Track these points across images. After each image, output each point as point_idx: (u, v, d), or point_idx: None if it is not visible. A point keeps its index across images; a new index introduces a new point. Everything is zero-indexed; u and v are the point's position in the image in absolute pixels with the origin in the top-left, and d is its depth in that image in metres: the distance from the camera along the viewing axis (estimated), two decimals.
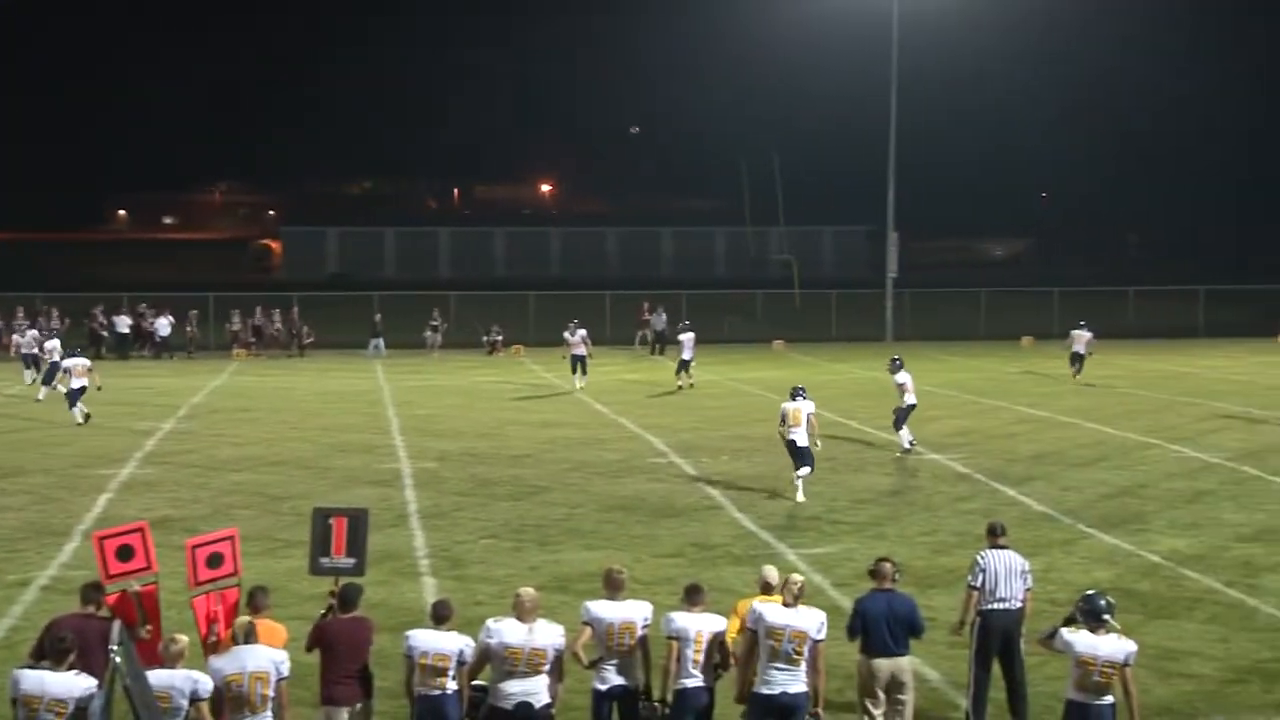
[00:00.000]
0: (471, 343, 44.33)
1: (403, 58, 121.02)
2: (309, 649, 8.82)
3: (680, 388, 31.46)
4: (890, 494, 18.68)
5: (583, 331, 32.11)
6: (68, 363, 26.35)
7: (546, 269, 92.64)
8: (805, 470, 17.97)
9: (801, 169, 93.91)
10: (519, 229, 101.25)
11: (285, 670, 8.16)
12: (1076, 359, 33.97)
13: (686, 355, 32.08)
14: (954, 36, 78.82)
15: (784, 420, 18.05)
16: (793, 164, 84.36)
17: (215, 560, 9.18)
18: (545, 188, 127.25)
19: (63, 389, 26.11)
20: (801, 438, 17.95)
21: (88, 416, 25.13)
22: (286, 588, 13.02)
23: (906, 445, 21.64)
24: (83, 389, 25.34)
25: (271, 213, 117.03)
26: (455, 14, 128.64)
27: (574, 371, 31.90)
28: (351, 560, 9.43)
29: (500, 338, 43.92)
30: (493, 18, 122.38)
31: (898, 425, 21.91)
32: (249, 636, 8.20)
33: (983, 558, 9.98)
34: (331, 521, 9.49)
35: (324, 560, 9.46)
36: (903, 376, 22.03)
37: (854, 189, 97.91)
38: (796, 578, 9.23)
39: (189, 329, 42.68)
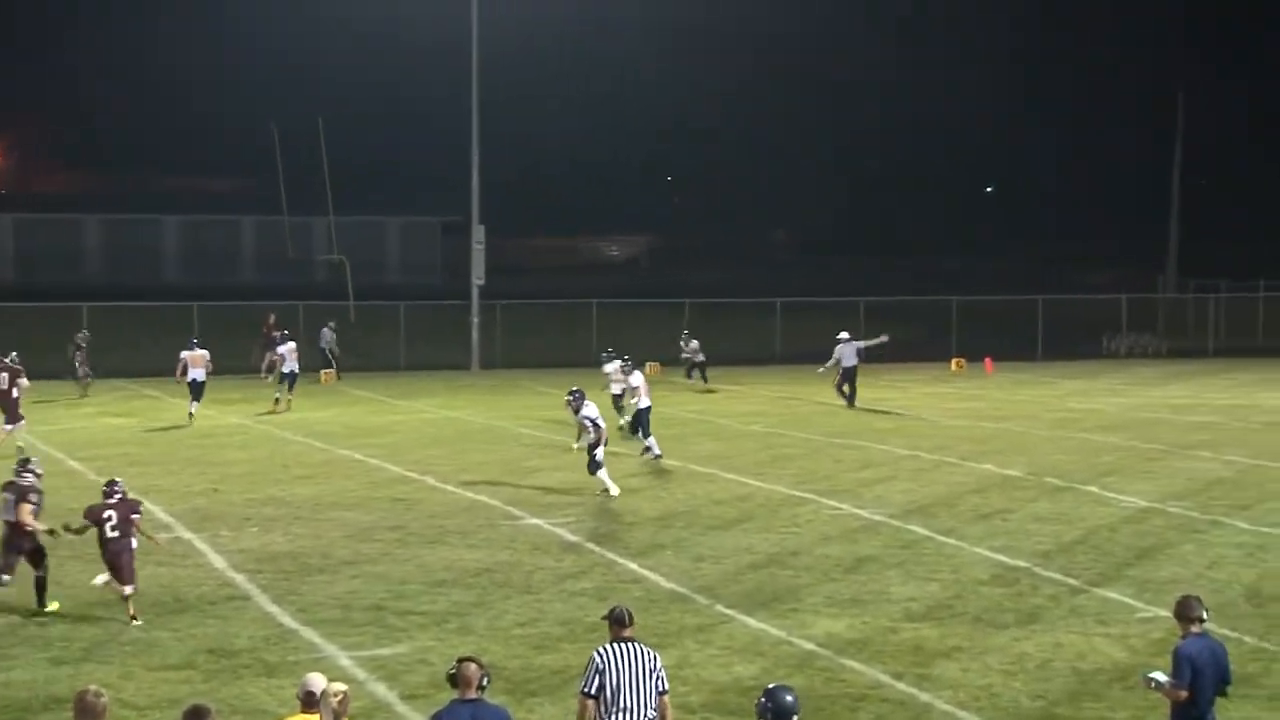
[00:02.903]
0: None
1: None
2: None
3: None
4: (478, 572, 18.73)
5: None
6: None
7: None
8: None
9: (358, 145, 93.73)
10: None
11: None
12: (697, 368, 40.98)
13: (290, 367, 36.98)
14: None
15: None
16: (346, 138, 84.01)
17: None
18: None
19: None
20: None
21: None
22: None
23: (657, 452, 27.40)
24: None
25: None
26: None
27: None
28: None
29: None
30: None
31: (640, 430, 27.81)
32: None
33: (600, 655, 10.06)
34: None
35: None
36: (636, 378, 28.71)
37: (427, 173, 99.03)
38: (336, 687, 9.00)
39: None
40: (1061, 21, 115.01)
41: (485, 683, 9.38)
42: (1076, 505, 23.68)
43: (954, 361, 50.92)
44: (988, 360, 50.25)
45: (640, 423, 28.92)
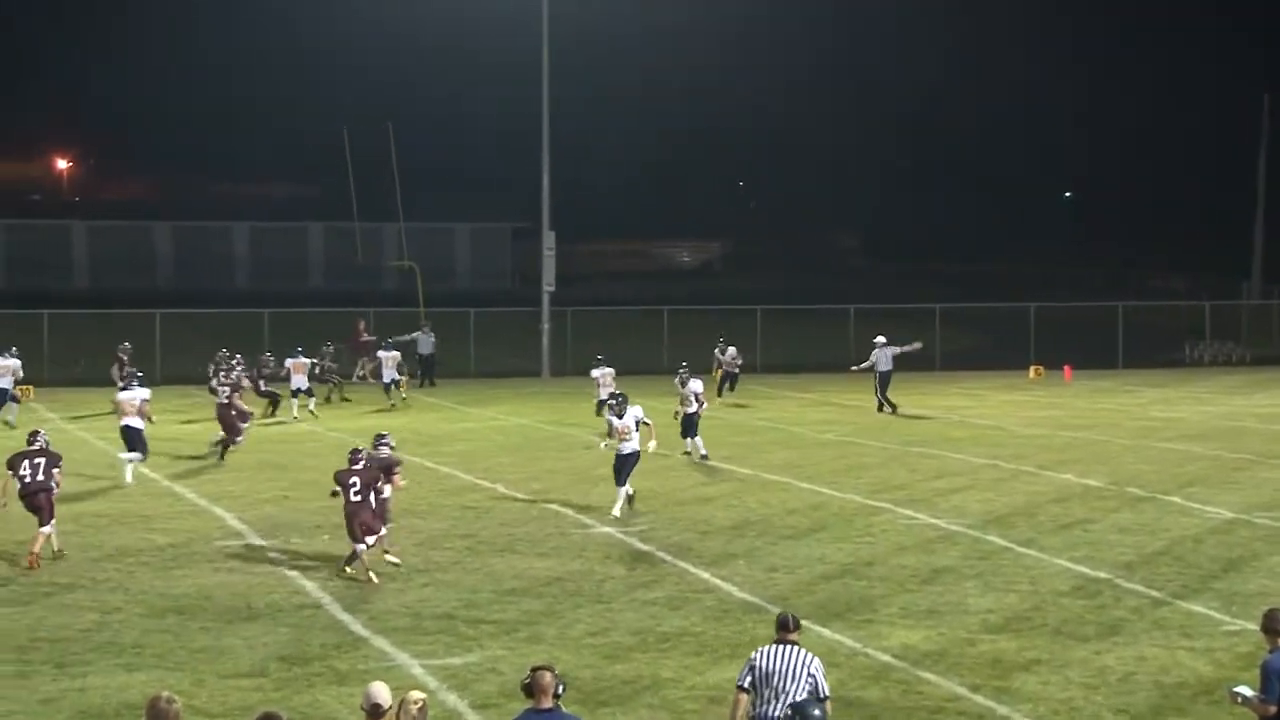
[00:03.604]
0: None
1: None
2: None
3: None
4: (548, 581, 18.78)
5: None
6: None
7: (67, 276, 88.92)
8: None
9: (427, 149, 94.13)
10: (22, 221, 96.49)
11: None
12: (729, 379, 40.91)
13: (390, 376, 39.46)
14: None
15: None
16: (416, 143, 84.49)
17: None
18: (61, 164, 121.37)
19: None
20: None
21: None
22: None
23: (704, 452, 29.14)
24: None
25: None
26: None
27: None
28: None
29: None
30: None
31: (689, 433, 29.59)
32: None
33: (759, 653, 10.66)
34: None
35: None
36: (696, 384, 30.01)
37: (497, 177, 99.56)
38: (416, 696, 9.05)
39: None
40: (1144, 21, 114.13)
41: (561, 691, 9.44)
42: (1159, 516, 23.45)
43: (1032, 369, 50.57)
44: (1066, 368, 49.85)
45: (690, 426, 29.81)
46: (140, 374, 29.65)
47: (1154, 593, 18.25)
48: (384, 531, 19.38)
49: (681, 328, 52.40)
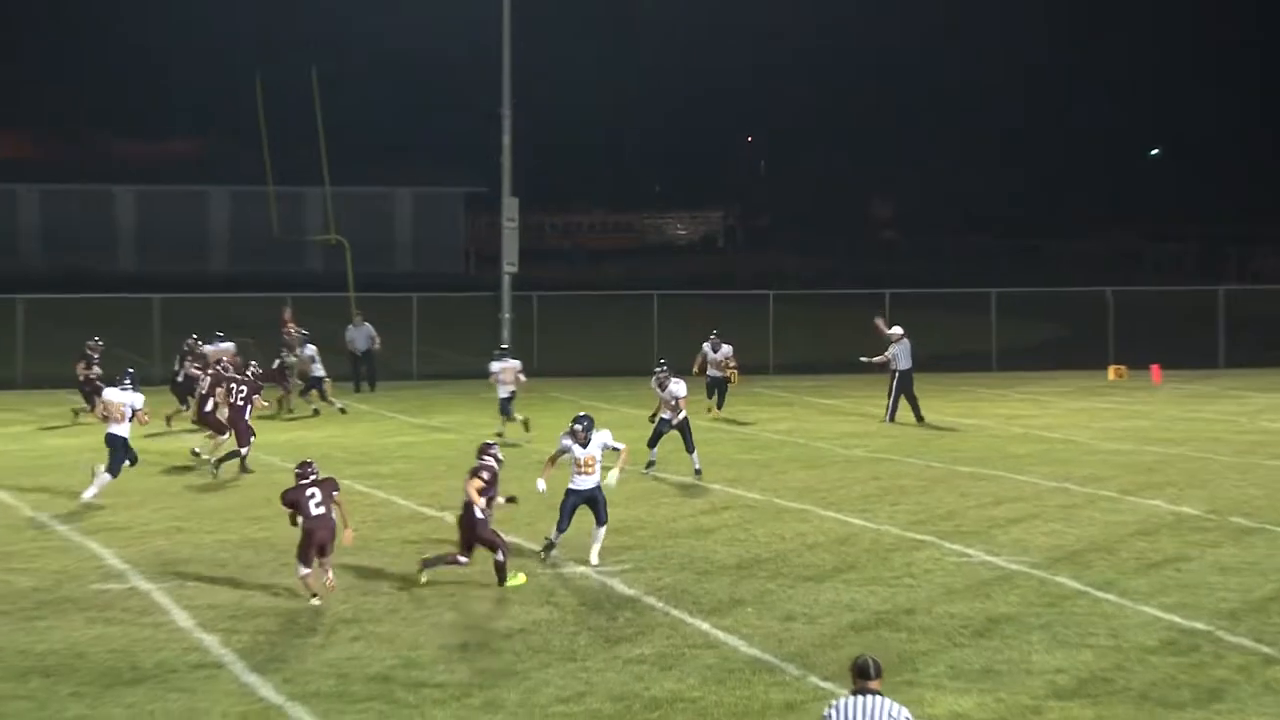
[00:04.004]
0: None
1: None
2: None
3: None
4: (509, 634, 18.72)
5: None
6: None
7: None
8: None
9: (363, 101, 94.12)
10: None
11: None
12: (717, 387, 39.86)
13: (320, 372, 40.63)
14: None
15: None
16: (347, 91, 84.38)
17: None
18: None
19: None
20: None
21: None
22: None
23: (697, 467, 30.03)
24: None
25: None
26: None
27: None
28: None
29: None
30: None
31: (653, 444, 30.53)
32: None
33: (835, 707, 11.22)
34: None
35: None
36: (680, 387, 30.37)
37: (449, 135, 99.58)
38: None
39: None
40: None
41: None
42: (1271, 552, 23.42)
43: (1111, 369, 50.60)
44: (1155, 368, 49.86)
45: (658, 434, 30.76)
46: (131, 371, 29.84)
47: (1264, 648, 18.18)
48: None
49: (676, 317, 52.34)
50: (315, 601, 20.09)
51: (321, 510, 20.46)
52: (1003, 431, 37.40)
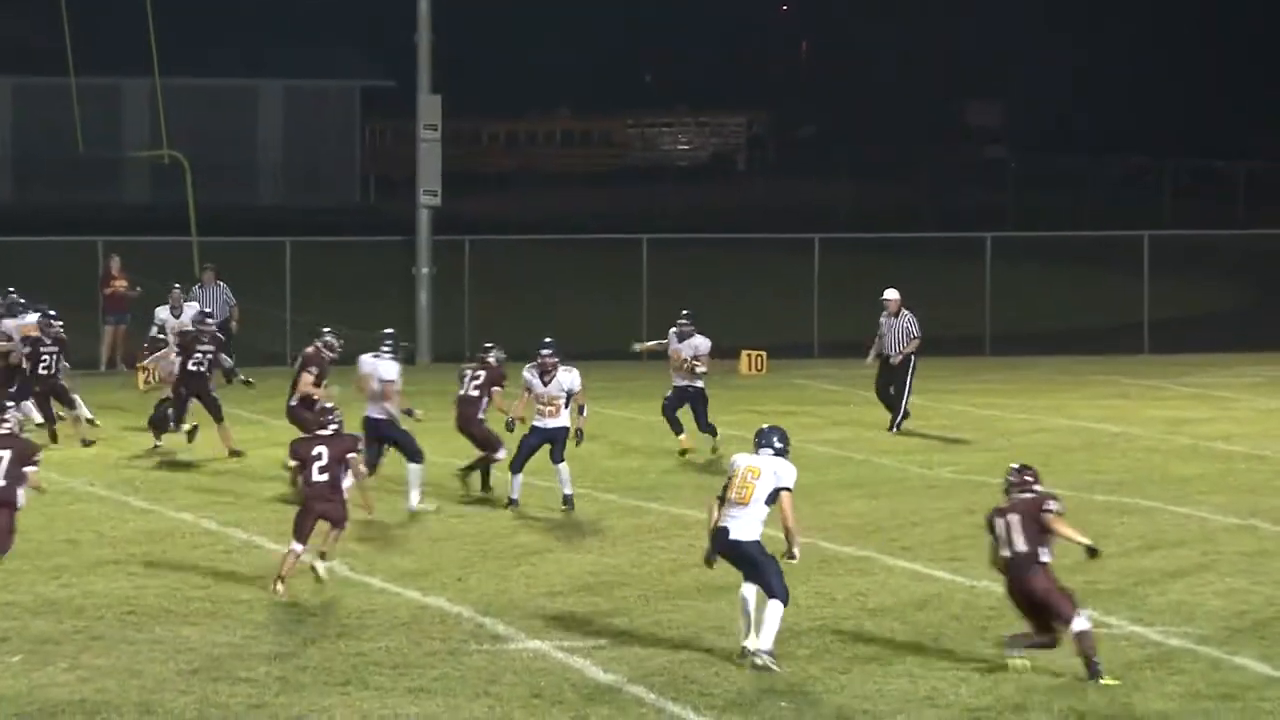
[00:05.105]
0: None
1: None
2: None
3: None
4: None
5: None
6: None
7: None
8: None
9: None
10: None
11: None
12: (687, 400, 37.57)
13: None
14: None
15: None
16: None
17: None
18: None
19: None
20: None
21: None
22: None
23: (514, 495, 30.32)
24: None
25: None
26: None
27: None
28: None
29: None
30: None
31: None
32: None
33: None
34: None
35: None
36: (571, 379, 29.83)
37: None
38: None
39: None
40: None
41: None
42: None
43: None
44: None
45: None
46: None
47: None
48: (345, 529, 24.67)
49: (675, 271, 52.36)
50: (279, 590, 23.27)
51: (324, 478, 23.49)
52: (1160, 443, 37.52)
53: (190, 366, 35.60)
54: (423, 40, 50.24)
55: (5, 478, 23.39)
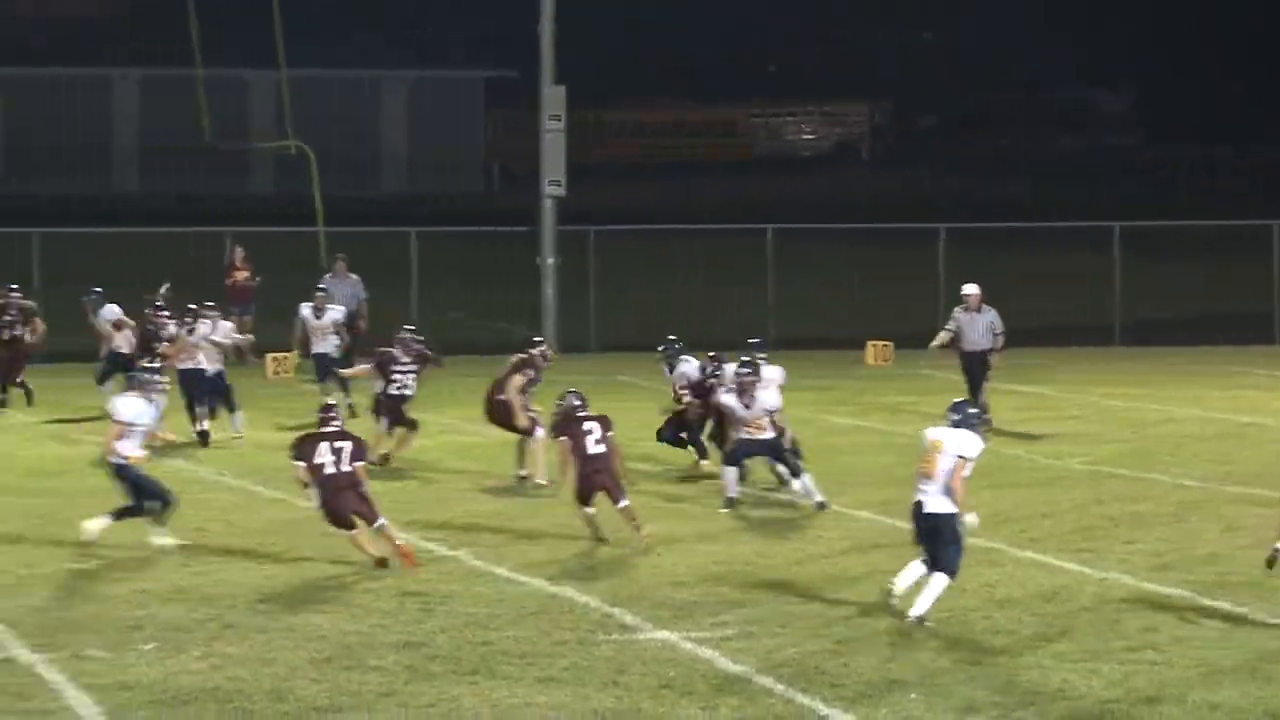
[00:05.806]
0: None
1: None
2: None
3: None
4: None
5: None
6: None
7: None
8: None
9: None
10: None
11: None
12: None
13: None
14: None
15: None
16: None
17: None
18: None
19: None
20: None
21: None
22: None
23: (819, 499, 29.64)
24: None
25: None
26: None
27: None
28: None
29: None
30: None
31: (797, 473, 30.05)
32: None
33: None
34: None
35: None
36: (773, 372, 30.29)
37: None
38: None
39: None
40: None
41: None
42: None
43: None
44: None
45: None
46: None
47: None
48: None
49: (800, 263, 52.30)
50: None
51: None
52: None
53: (392, 391, 34.57)
54: (545, 31, 50.38)
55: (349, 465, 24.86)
